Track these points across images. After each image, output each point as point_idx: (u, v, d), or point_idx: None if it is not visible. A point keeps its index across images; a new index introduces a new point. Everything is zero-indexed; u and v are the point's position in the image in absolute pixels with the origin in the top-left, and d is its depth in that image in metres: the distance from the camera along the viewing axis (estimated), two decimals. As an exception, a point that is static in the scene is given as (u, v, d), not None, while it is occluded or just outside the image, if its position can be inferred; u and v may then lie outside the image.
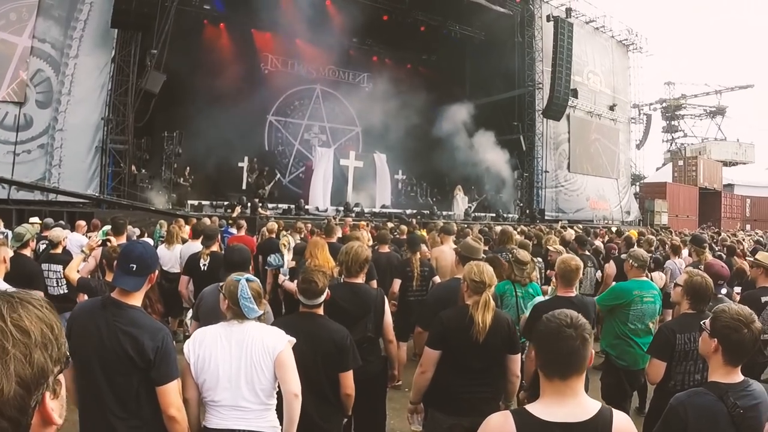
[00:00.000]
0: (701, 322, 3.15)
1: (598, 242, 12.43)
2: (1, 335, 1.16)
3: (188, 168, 21.38)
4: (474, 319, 4.14)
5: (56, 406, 1.25)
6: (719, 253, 10.32)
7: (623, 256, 8.11)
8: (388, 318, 5.08)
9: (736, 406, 2.72)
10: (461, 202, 27.64)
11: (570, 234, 12.31)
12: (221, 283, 3.98)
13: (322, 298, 4.21)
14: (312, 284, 4.15)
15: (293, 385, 3.46)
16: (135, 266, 3.34)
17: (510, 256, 6.65)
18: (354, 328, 4.72)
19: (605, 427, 2.30)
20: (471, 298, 4.28)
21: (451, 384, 4.27)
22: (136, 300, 3.38)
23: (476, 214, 27.30)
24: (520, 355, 4.50)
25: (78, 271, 6.49)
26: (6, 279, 5.15)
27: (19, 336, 1.17)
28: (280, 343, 3.49)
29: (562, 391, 2.34)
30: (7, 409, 1.11)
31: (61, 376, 1.29)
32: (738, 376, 2.90)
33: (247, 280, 3.61)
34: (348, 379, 4.12)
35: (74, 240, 9.76)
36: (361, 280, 5.11)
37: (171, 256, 9.43)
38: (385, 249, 8.87)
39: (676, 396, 2.95)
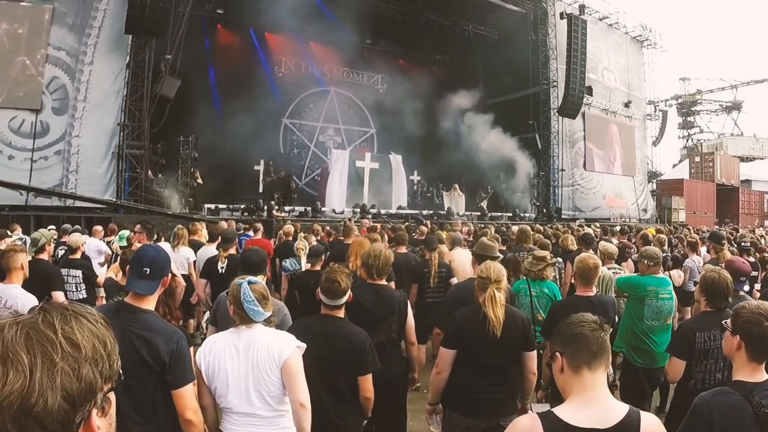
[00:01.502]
0: (723, 322, 3.13)
1: (615, 241, 12.34)
2: (50, 347, 1.14)
3: (197, 171, 21.37)
4: (487, 314, 4.15)
5: (103, 425, 1.23)
6: (745, 246, 10.16)
7: (634, 257, 8.05)
8: (411, 320, 5.08)
9: (762, 405, 2.68)
10: (447, 199, 27.56)
11: (588, 233, 12.24)
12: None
13: (345, 298, 4.20)
14: (335, 284, 4.14)
15: (300, 393, 3.40)
16: (148, 270, 3.34)
17: (527, 254, 6.64)
18: (378, 330, 4.74)
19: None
20: (481, 295, 4.30)
21: (467, 384, 4.27)
22: (150, 304, 3.39)
23: (492, 214, 27.23)
24: (536, 351, 4.48)
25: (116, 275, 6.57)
26: (24, 285, 5.16)
27: (69, 349, 1.16)
28: (286, 349, 3.43)
29: (590, 387, 2.32)
30: (50, 423, 1.10)
31: (111, 395, 1.27)
32: (763, 375, 2.86)
33: (249, 282, 3.57)
34: (367, 383, 4.09)
35: (92, 245, 9.80)
36: (384, 282, 5.12)
37: (175, 258, 9.34)
38: (402, 249, 8.85)
39: (701, 395, 2.90)
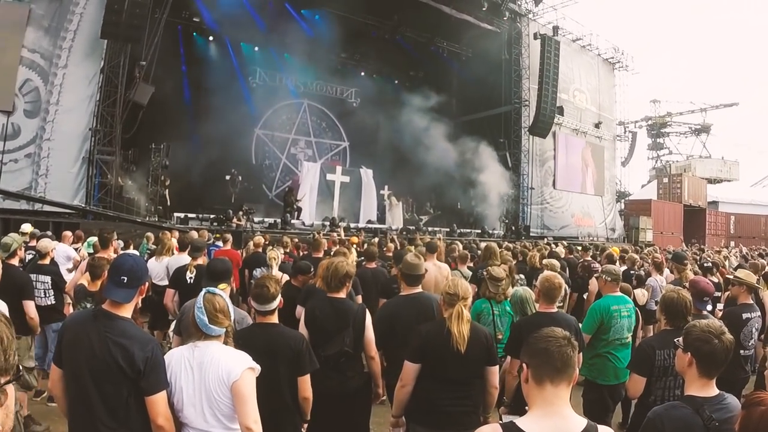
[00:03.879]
0: (675, 340, 3.25)
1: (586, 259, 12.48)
2: None
3: (168, 180, 21.40)
4: (451, 330, 4.21)
5: None
6: (708, 265, 10.34)
7: (595, 275, 8.19)
8: (370, 333, 5.03)
9: (712, 418, 2.79)
10: (389, 208, 27.76)
11: (559, 251, 12.37)
12: None
13: (275, 303, 4.25)
14: (263, 289, 4.19)
15: (247, 418, 3.35)
16: (126, 278, 3.38)
17: (485, 273, 6.68)
18: (332, 342, 4.77)
19: None
20: (447, 311, 4.35)
21: (431, 397, 4.32)
22: (127, 311, 3.42)
23: (462, 230, 27.35)
24: (498, 367, 4.56)
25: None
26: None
27: None
28: (235, 371, 3.38)
29: (551, 401, 2.39)
30: None
31: (8, 388, 1.33)
32: (713, 390, 2.97)
33: (210, 292, 3.57)
34: (305, 383, 4.16)
35: (61, 251, 9.72)
36: (342, 294, 5.11)
37: (160, 269, 9.31)
38: (372, 265, 8.90)
39: (654, 409, 3.01)
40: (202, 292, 3.57)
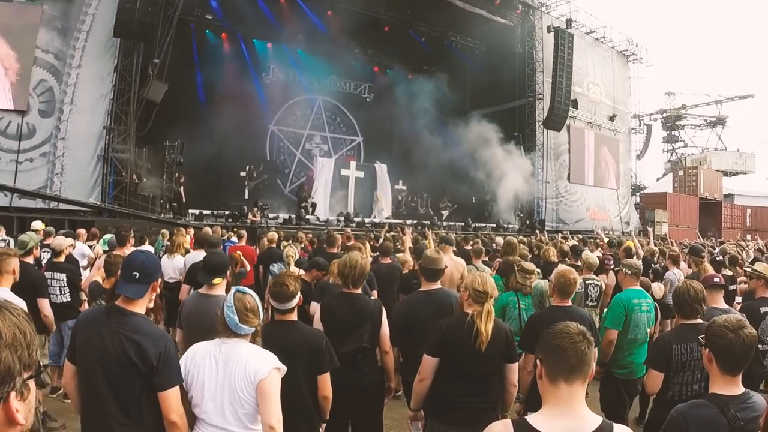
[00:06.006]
0: (699, 337, 3.19)
1: (598, 252, 12.41)
2: None
3: (182, 177, 21.54)
4: (478, 328, 4.15)
5: (22, 408, 1.32)
6: (720, 259, 10.28)
7: (615, 269, 8.15)
8: (385, 329, 5.01)
9: (737, 418, 2.72)
10: (376, 204, 27.77)
11: (569, 245, 12.29)
12: (198, 290, 4.28)
13: (294, 302, 4.20)
14: (282, 287, 4.14)
15: (270, 417, 3.33)
16: (138, 274, 3.38)
17: (516, 265, 6.63)
18: (350, 338, 4.74)
19: None
20: (472, 307, 4.28)
21: (449, 393, 4.28)
22: (140, 307, 3.42)
23: (477, 224, 27.30)
24: (517, 363, 4.51)
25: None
26: (11, 288, 5.16)
27: None
28: (262, 370, 3.37)
29: (566, 400, 2.34)
30: None
31: (30, 383, 1.36)
32: (739, 388, 2.90)
33: (240, 291, 3.55)
34: (325, 382, 4.12)
35: (76, 248, 9.74)
36: (359, 291, 5.08)
37: (172, 266, 9.34)
38: (387, 260, 8.87)
39: (677, 407, 2.94)
40: (232, 291, 3.56)
